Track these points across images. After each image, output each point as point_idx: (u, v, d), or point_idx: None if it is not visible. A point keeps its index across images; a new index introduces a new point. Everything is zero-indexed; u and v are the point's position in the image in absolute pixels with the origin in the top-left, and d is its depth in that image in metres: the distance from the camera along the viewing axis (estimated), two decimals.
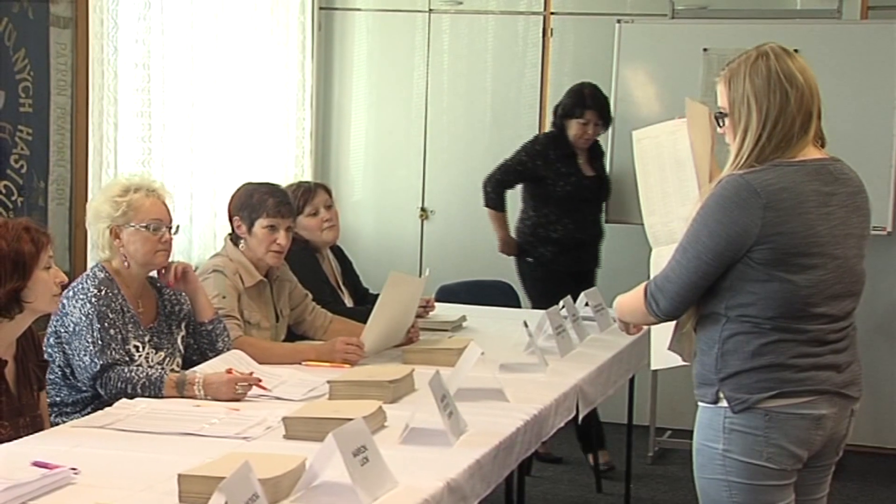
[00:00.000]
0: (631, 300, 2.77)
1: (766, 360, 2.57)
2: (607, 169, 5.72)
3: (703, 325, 2.66)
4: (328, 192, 4.49)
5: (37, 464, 2.42)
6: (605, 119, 5.53)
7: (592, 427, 5.10)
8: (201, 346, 3.53)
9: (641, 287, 2.71)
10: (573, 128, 5.47)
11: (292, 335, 4.04)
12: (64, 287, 3.02)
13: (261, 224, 3.85)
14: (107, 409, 3.03)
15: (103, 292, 3.29)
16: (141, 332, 3.38)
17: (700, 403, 2.68)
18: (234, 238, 3.91)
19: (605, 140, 5.89)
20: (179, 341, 3.50)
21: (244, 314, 3.78)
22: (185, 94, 5.17)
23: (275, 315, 3.95)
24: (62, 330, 3.28)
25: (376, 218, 6.57)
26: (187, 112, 5.20)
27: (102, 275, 3.34)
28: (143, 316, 3.42)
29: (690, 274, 2.60)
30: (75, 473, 2.40)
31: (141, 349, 3.35)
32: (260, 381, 3.20)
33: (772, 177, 2.56)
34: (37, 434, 2.83)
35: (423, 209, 6.50)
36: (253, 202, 3.88)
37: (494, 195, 5.56)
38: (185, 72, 5.16)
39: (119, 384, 3.19)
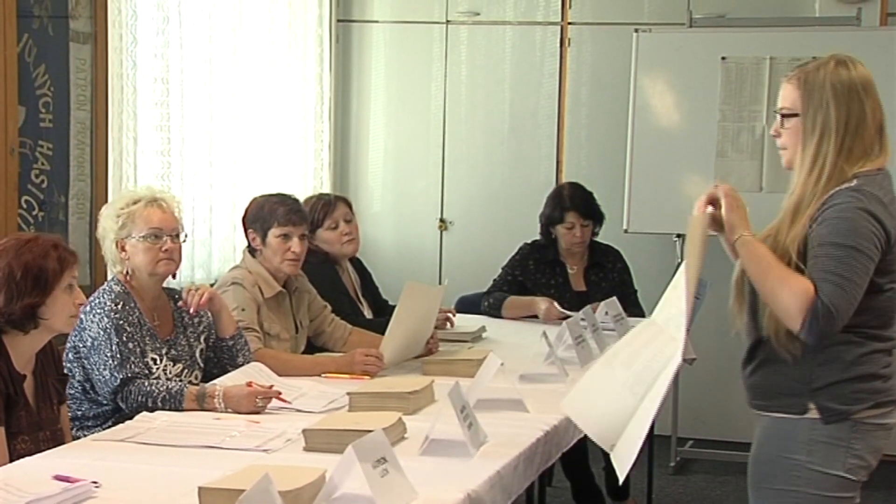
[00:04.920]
0: (786, 288, 2.51)
1: (863, 370, 2.56)
2: (612, 276, 5.04)
3: (796, 339, 2.55)
4: (348, 205, 4.50)
5: (58, 477, 2.43)
6: (591, 216, 4.96)
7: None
8: (222, 360, 3.54)
9: (804, 285, 2.49)
10: (560, 234, 4.95)
11: (312, 347, 4.05)
12: (81, 308, 3.03)
13: (274, 234, 3.86)
14: (127, 422, 3.04)
15: (120, 305, 3.31)
16: (158, 345, 3.39)
17: (775, 414, 2.63)
18: (252, 250, 3.93)
19: (624, 149, 5.88)
20: (198, 354, 3.51)
21: (264, 326, 3.79)
22: (203, 107, 5.19)
23: (294, 326, 3.96)
24: (80, 345, 3.29)
25: (395, 229, 6.58)
26: (206, 126, 5.22)
27: (118, 288, 3.36)
28: (160, 328, 3.43)
29: (859, 289, 2.50)
30: (96, 487, 2.40)
31: (159, 361, 3.36)
32: (280, 393, 3.20)
33: (882, 188, 2.56)
34: (57, 448, 2.84)
35: (441, 220, 6.50)
36: (264, 213, 3.90)
37: (495, 305, 4.89)
38: (204, 86, 5.18)
39: (140, 398, 3.20)
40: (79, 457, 2.70)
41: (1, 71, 3.96)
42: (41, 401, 2.97)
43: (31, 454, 2.74)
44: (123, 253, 3.39)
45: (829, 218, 2.53)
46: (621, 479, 2.57)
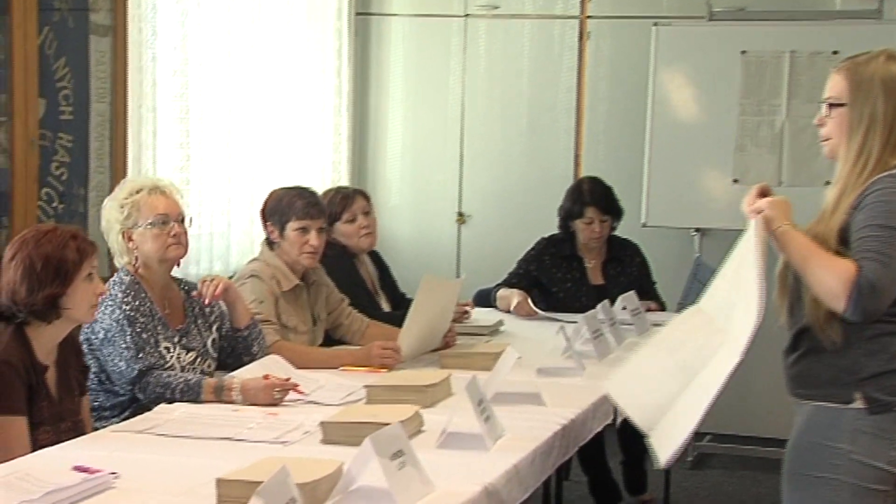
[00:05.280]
0: (826, 269, 2.51)
1: None
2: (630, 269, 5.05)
3: (835, 324, 2.55)
4: (367, 198, 4.50)
5: (78, 468, 2.44)
6: (610, 212, 4.97)
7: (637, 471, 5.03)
8: (237, 350, 3.55)
9: (846, 265, 2.49)
10: (579, 229, 4.96)
11: (330, 340, 4.06)
12: (101, 297, 3.05)
13: (292, 227, 3.87)
14: (146, 413, 3.05)
15: (131, 296, 3.32)
16: (170, 334, 3.40)
17: (819, 403, 2.60)
18: (270, 243, 3.94)
19: (642, 143, 5.87)
20: (210, 343, 3.52)
21: (281, 318, 3.80)
22: (222, 100, 5.20)
23: (312, 319, 3.97)
24: (93, 337, 3.30)
25: (413, 223, 6.58)
26: (225, 119, 5.23)
27: (128, 279, 3.36)
28: (171, 317, 3.44)
29: None
30: (115, 478, 2.41)
31: (172, 350, 3.37)
32: (297, 386, 3.21)
33: None
34: (78, 439, 2.85)
35: (459, 214, 6.51)
36: (282, 206, 3.91)
37: (493, 297, 4.91)
38: (223, 79, 5.19)
39: (158, 389, 3.22)
40: (99, 448, 2.72)
41: (21, 63, 3.98)
42: (63, 392, 2.99)
43: (52, 444, 2.76)
44: (131, 243, 3.40)
45: (870, 203, 2.53)
46: (663, 465, 2.56)
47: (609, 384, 2.86)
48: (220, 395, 3.17)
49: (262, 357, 3.51)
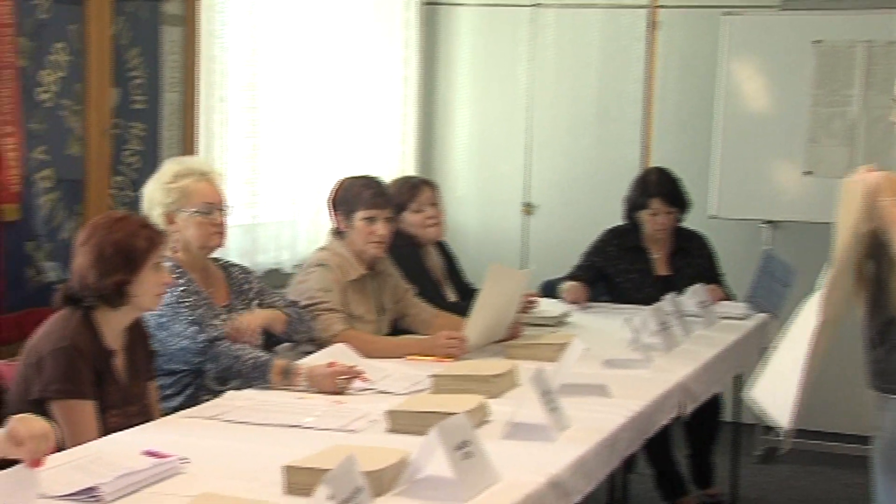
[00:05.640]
0: None
1: None
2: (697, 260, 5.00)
3: None
4: (434, 188, 4.50)
5: (147, 453, 2.47)
6: (676, 203, 4.90)
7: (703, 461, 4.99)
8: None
9: None
10: (644, 220, 4.90)
11: (396, 329, 4.07)
12: (167, 287, 3.08)
13: (359, 217, 3.88)
14: (215, 400, 3.09)
15: (176, 277, 3.34)
16: (218, 311, 3.43)
17: None
18: (337, 232, 3.95)
19: (711, 134, 5.81)
20: None
21: (348, 307, 3.82)
22: (290, 91, 5.23)
23: (378, 308, 3.98)
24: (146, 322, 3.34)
25: (479, 213, 6.57)
26: (293, 109, 5.26)
27: (170, 264, 3.38)
28: (215, 296, 3.48)
29: None
30: (184, 463, 2.44)
31: (222, 327, 3.40)
32: (362, 373, 3.22)
33: None
34: (147, 423, 2.89)
35: (526, 204, 6.49)
36: (350, 196, 3.92)
37: (558, 290, 4.85)
38: (291, 69, 5.22)
39: (228, 360, 3.25)
40: (167, 433, 2.75)
41: (96, 54, 4.04)
42: (131, 376, 3.03)
43: (121, 429, 2.79)
44: (172, 225, 3.42)
45: None
46: (787, 427, 2.57)
47: (756, 393, 2.83)
48: (287, 379, 3.19)
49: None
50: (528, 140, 6.48)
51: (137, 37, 4.25)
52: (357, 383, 3.19)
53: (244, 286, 3.58)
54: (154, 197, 3.46)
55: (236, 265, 3.71)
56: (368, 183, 3.97)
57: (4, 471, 2.09)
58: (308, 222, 5.40)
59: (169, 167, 3.53)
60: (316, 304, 3.74)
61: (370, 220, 3.89)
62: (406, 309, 4.10)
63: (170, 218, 3.42)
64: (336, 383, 3.15)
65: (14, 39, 3.70)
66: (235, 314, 3.47)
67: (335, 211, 3.97)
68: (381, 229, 3.89)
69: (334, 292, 3.78)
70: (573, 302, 4.72)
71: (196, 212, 3.42)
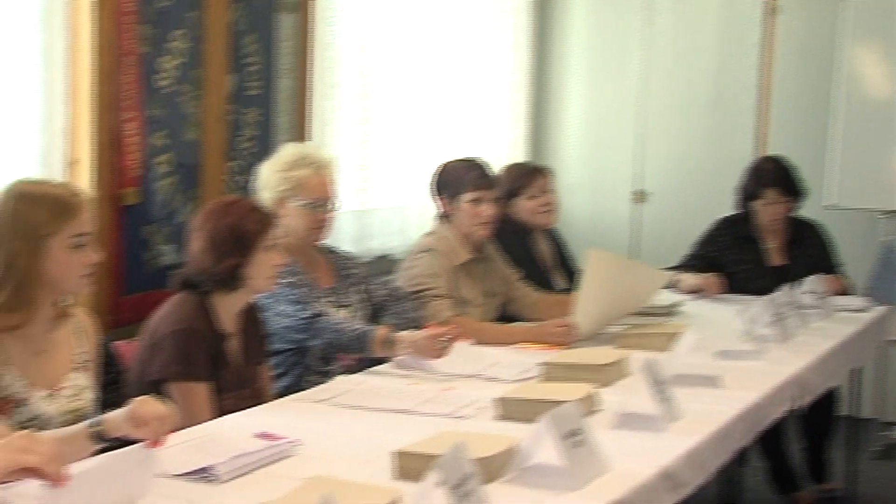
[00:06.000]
0: None
1: None
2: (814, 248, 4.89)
3: None
4: (549, 175, 4.48)
5: (260, 435, 2.50)
6: (792, 192, 4.78)
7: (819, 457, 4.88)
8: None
9: None
10: (758, 210, 4.80)
11: (503, 316, 4.06)
12: (280, 268, 3.11)
13: (465, 199, 3.88)
14: (325, 384, 3.12)
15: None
16: (322, 294, 3.46)
17: None
18: (443, 216, 3.95)
19: (826, 121, 5.67)
20: (357, 303, 3.57)
21: (456, 292, 3.82)
22: (401, 77, 5.25)
23: (486, 292, 3.98)
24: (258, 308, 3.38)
25: (590, 200, 6.51)
26: (404, 95, 5.28)
27: None
28: (321, 279, 3.51)
29: None
30: (296, 445, 2.47)
31: (326, 308, 3.43)
32: (461, 334, 3.21)
33: None
34: (259, 406, 2.93)
35: (638, 192, 6.41)
36: (454, 179, 3.92)
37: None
38: (402, 56, 5.24)
39: (329, 334, 3.28)
40: (280, 415, 2.79)
41: (214, 40, 4.10)
42: (244, 359, 3.07)
43: (234, 411, 2.84)
44: (282, 210, 3.45)
45: None
46: None
47: None
48: (389, 348, 3.21)
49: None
50: (641, 127, 6.40)
51: (254, 24, 4.30)
52: (465, 371, 3.18)
53: (349, 271, 3.60)
54: (268, 180, 3.50)
55: (341, 250, 3.74)
56: (472, 165, 3.96)
57: (124, 449, 2.14)
58: (418, 208, 5.41)
59: (287, 153, 3.56)
60: (424, 290, 3.75)
61: (476, 201, 3.88)
62: (513, 293, 4.09)
63: (280, 203, 3.46)
64: (437, 345, 3.17)
65: (136, 27, 3.78)
66: (339, 295, 3.49)
67: (440, 195, 3.96)
68: (487, 210, 3.88)
69: (442, 278, 3.79)
70: (715, 293, 4.60)
71: (305, 204, 3.45)
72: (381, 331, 3.27)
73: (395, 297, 3.65)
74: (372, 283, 3.65)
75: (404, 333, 3.26)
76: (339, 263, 3.61)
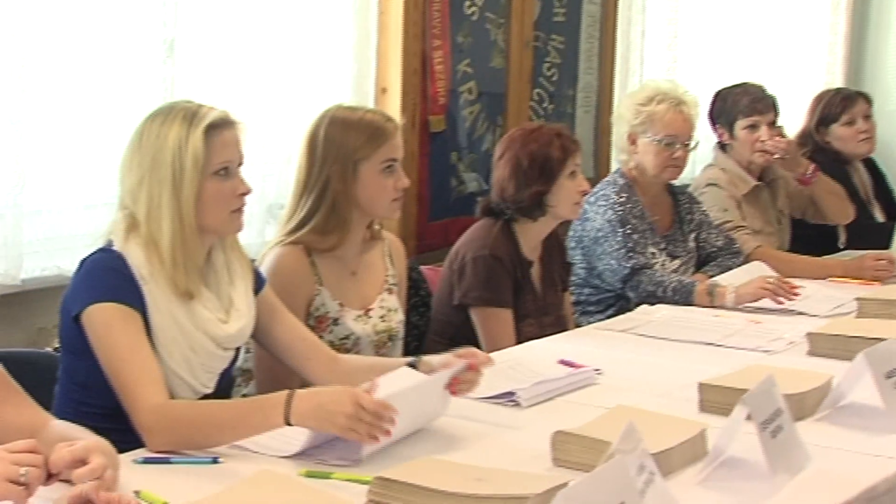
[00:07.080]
0: None
1: None
2: None
3: None
4: (869, 102, 4.27)
5: (562, 362, 2.51)
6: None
7: None
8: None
9: None
10: None
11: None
12: (584, 195, 3.08)
13: (740, 126, 3.75)
14: (628, 314, 3.09)
15: (624, 198, 3.33)
16: (657, 240, 3.39)
17: None
18: (722, 146, 3.82)
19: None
20: (692, 248, 3.49)
21: (745, 222, 3.68)
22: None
23: (776, 218, 3.84)
24: (584, 235, 3.35)
25: None
26: (713, 16, 5.09)
27: (622, 181, 3.38)
28: (659, 223, 3.43)
29: None
30: (598, 374, 2.45)
31: (657, 256, 3.36)
32: (794, 287, 3.10)
33: None
34: (562, 334, 2.93)
35: None
36: (727, 106, 3.79)
37: None
38: None
39: (650, 287, 3.22)
40: (581, 343, 2.78)
41: None
42: (546, 286, 3.08)
43: (535, 337, 2.86)
44: (633, 146, 3.40)
45: None
46: None
47: None
48: (713, 298, 3.13)
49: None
50: None
51: None
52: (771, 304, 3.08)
53: (687, 216, 3.52)
54: (623, 114, 3.46)
55: (686, 193, 3.62)
56: (745, 90, 3.81)
57: (430, 377, 2.13)
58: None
59: (646, 86, 3.53)
60: (719, 225, 3.62)
61: (752, 127, 3.74)
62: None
63: (632, 138, 3.40)
64: (764, 289, 3.08)
65: None
66: (674, 245, 3.43)
67: (715, 125, 3.83)
68: (765, 135, 3.71)
69: (731, 210, 3.66)
70: None
71: (658, 140, 3.37)
72: (704, 283, 3.20)
73: (727, 250, 3.53)
74: (708, 230, 3.54)
75: (733, 286, 3.16)
76: (681, 208, 3.53)
